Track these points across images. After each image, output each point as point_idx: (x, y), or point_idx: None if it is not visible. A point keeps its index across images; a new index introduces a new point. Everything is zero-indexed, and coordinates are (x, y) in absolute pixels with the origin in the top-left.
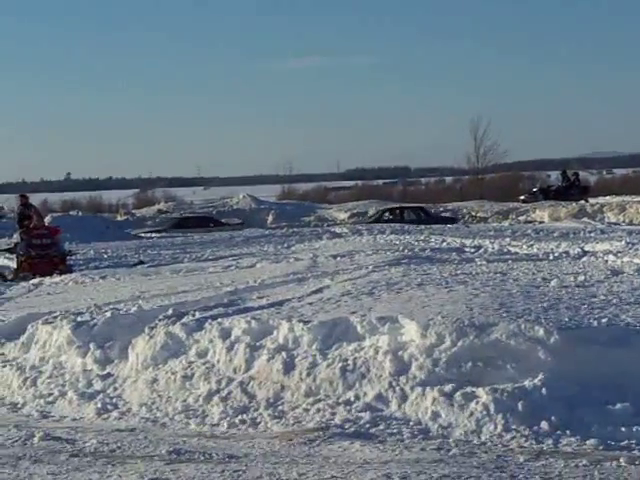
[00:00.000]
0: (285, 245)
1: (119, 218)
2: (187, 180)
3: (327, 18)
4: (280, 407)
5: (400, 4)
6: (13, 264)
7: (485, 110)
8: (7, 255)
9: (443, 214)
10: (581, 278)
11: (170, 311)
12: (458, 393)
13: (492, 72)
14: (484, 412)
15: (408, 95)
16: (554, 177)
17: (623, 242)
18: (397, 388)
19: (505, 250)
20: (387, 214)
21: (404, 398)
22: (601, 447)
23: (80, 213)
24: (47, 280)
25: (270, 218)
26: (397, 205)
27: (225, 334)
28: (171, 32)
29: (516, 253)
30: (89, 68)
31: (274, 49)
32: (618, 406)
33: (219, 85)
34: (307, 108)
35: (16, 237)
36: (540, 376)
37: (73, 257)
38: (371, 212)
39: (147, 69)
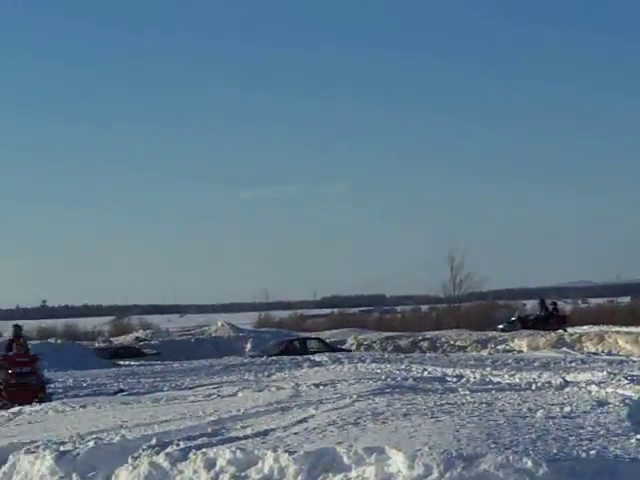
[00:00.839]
0: (266, 373)
1: (97, 346)
2: (163, 307)
3: (300, 148)
4: None
5: (373, 132)
6: None
7: (461, 237)
8: None
9: (342, 346)
10: (567, 409)
11: (154, 441)
12: None
13: (468, 200)
14: None
15: (383, 223)
16: (530, 306)
17: (605, 372)
18: None
19: (487, 380)
20: (290, 346)
21: None
22: None
23: (58, 341)
24: (27, 408)
25: (248, 346)
26: (298, 337)
27: (210, 464)
28: (145, 162)
29: (499, 383)
30: (66, 193)
31: (250, 178)
32: None
33: (196, 213)
34: (284, 236)
35: None
36: None
37: (52, 385)
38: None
39: (125, 197)
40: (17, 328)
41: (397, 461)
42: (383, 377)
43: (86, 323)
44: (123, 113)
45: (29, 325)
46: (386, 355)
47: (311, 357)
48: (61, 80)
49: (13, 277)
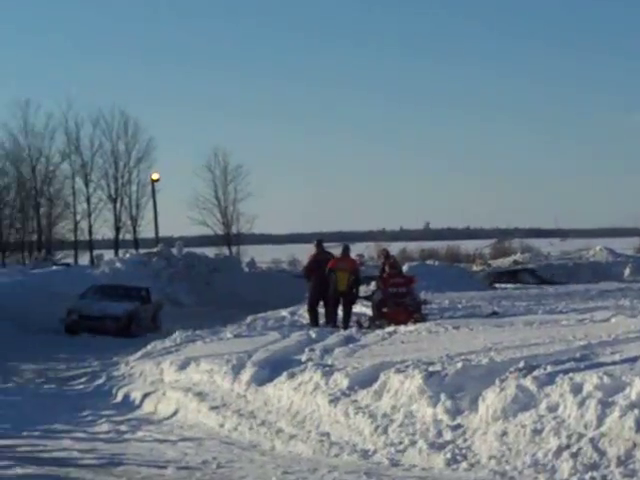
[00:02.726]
0: None
1: (475, 268)
2: (544, 231)
3: None
4: (631, 465)
5: None
6: (369, 312)
7: None
8: (364, 302)
9: None
10: None
11: (521, 364)
12: None
13: None
14: None
15: None
16: None
17: None
18: None
19: None
20: (498, 277)
21: None
22: None
23: (436, 262)
24: (401, 329)
25: (627, 271)
26: (508, 269)
27: (576, 389)
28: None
29: None
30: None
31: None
32: None
33: (580, 136)
34: None
35: (373, 285)
36: None
37: (428, 306)
38: None
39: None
40: (384, 251)
41: None
42: None
43: (468, 245)
44: None
45: (412, 247)
46: None
47: None
48: None
49: (398, 200)
